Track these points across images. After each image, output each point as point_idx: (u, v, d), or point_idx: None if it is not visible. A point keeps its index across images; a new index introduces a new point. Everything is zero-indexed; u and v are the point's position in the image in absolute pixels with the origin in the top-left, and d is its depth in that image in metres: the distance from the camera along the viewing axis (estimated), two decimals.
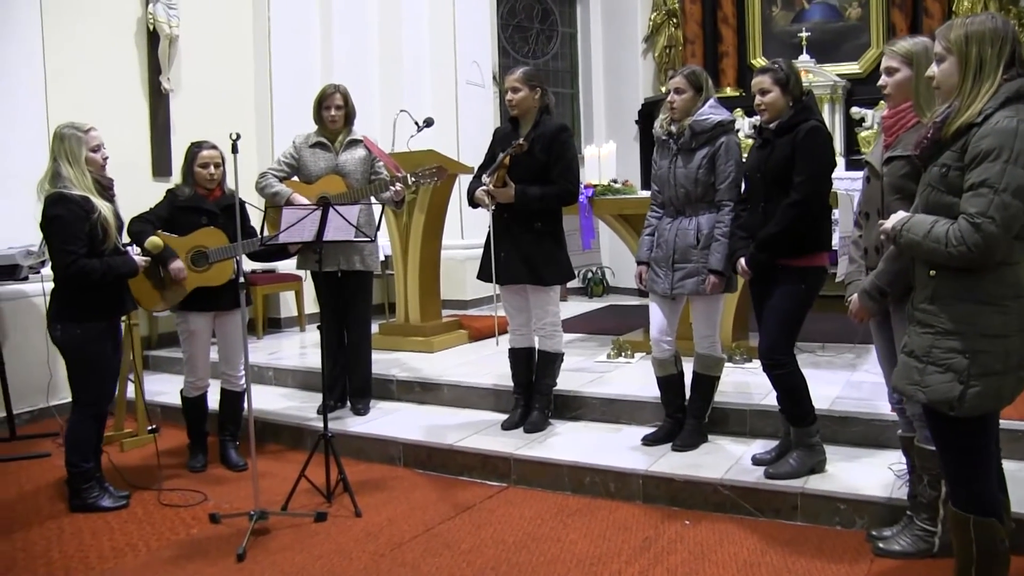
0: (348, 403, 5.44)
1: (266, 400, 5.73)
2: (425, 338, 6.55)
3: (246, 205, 4.74)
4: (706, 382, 4.43)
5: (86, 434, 4.18)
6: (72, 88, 6.51)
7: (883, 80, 3.27)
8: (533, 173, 4.57)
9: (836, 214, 5.67)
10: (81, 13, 6.72)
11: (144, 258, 4.34)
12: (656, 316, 4.42)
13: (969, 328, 2.52)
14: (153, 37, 7.21)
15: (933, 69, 2.63)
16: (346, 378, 5.44)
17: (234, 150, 3.83)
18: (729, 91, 10.11)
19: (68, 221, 3.95)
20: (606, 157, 6.40)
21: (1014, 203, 2.41)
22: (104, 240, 4.03)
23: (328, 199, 4.63)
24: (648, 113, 10.14)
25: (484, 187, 4.60)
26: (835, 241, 5.84)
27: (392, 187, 4.91)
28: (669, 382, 4.49)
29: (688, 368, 4.49)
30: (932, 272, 2.59)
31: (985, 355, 2.50)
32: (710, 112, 4.21)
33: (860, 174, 3.47)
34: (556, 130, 4.63)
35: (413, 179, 4.89)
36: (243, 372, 4.72)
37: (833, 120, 9.63)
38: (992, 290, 2.51)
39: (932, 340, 2.58)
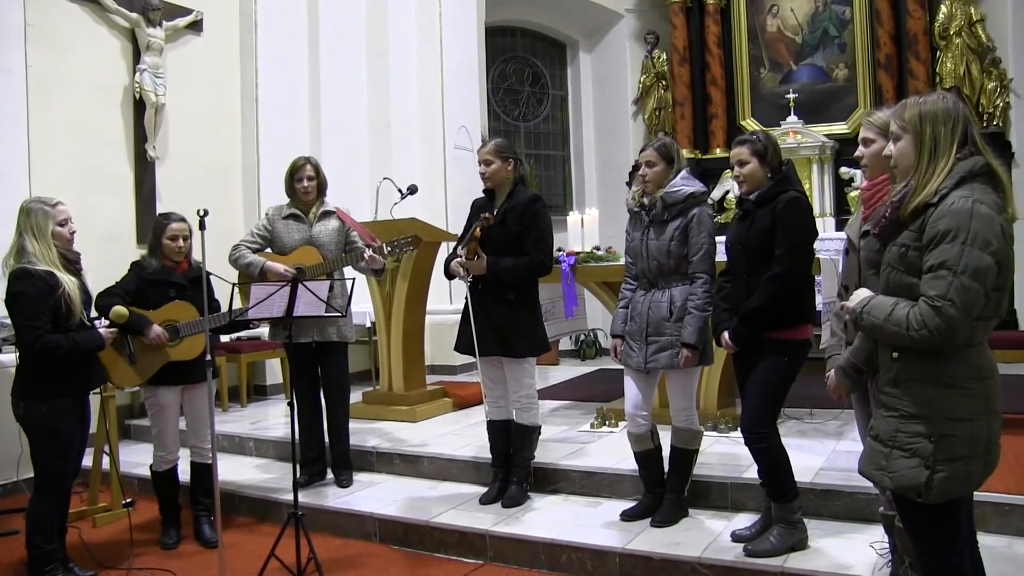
0: (331, 474, 5.35)
1: (244, 472, 5.65)
2: (408, 407, 6.46)
3: (211, 278, 4.69)
4: (684, 456, 4.34)
5: (48, 514, 4.06)
6: (56, 156, 6.53)
7: (860, 151, 3.26)
8: (507, 244, 4.55)
9: (819, 279, 5.62)
10: (66, 81, 6.77)
11: (111, 330, 4.27)
12: (631, 390, 4.33)
13: (934, 412, 2.45)
14: (139, 105, 7.26)
15: (890, 148, 2.60)
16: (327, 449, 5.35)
17: (201, 227, 3.83)
18: (719, 152, 10.19)
19: (32, 297, 3.90)
20: (589, 223, 6.38)
21: (973, 285, 2.35)
22: (69, 315, 3.98)
23: (304, 270, 4.60)
24: None
25: (458, 259, 4.57)
26: (819, 304, 5.76)
27: (364, 256, 4.90)
28: (647, 457, 4.39)
29: (666, 440, 4.40)
30: (895, 355, 2.53)
31: (951, 439, 2.43)
32: (682, 184, 4.18)
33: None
34: (528, 201, 4.61)
35: (389, 248, 4.87)
36: (211, 446, 4.64)
37: (822, 180, 9.66)
38: (956, 372, 2.45)
39: (897, 424, 2.51)
